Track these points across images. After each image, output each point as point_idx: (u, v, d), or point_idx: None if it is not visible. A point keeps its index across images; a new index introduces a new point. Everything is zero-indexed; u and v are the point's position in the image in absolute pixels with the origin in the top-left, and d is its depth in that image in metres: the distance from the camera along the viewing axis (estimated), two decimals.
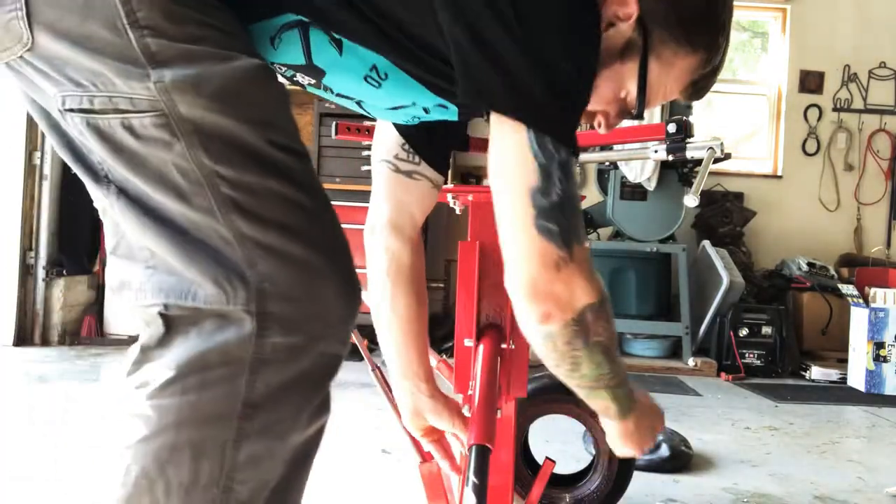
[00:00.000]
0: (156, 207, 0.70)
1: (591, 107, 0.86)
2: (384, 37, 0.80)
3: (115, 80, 0.67)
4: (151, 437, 0.69)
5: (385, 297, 1.15)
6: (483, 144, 1.47)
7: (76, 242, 4.03)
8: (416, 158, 1.12)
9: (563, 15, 0.74)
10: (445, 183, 1.17)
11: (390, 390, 1.39)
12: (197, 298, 0.69)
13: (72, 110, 0.69)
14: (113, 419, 0.72)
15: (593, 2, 0.78)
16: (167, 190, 0.69)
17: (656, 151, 1.32)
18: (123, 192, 0.71)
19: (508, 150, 0.74)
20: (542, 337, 0.79)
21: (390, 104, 0.93)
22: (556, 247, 0.74)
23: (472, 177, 4.80)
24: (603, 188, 4.47)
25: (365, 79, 0.86)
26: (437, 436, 1.19)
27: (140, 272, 0.72)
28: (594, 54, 0.77)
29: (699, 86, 0.88)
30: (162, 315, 0.70)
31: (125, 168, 0.69)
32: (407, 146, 1.11)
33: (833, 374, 3.98)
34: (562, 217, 0.74)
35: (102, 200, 0.74)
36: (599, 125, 0.90)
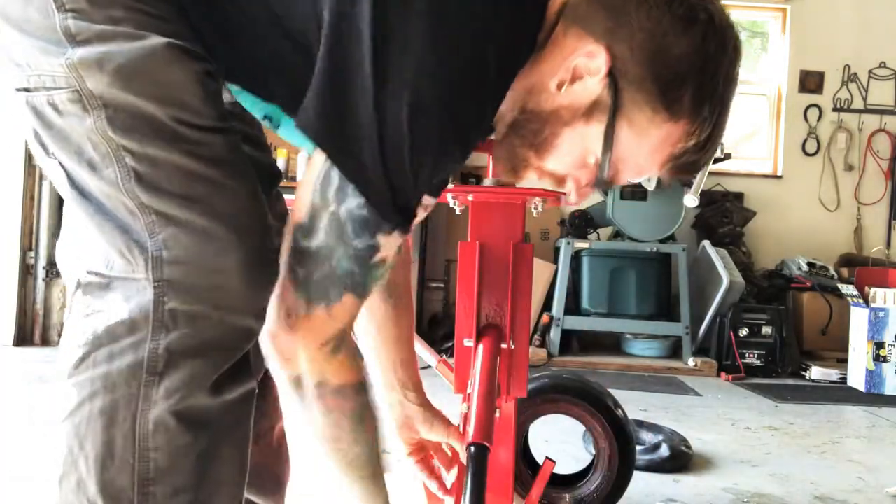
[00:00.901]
0: (79, 181, 0.74)
1: (559, 169, 0.81)
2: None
3: (41, 59, 0.71)
4: (72, 413, 0.71)
5: None
6: (483, 145, 1.48)
7: None
8: None
9: (458, 72, 0.70)
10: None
11: None
12: (113, 268, 0.73)
13: (17, 90, 0.74)
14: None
15: (515, 59, 0.74)
16: (84, 163, 0.72)
17: None
18: (62, 169, 0.75)
19: (307, 174, 0.75)
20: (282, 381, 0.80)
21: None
22: (293, 291, 0.74)
23: (472, 177, 4.80)
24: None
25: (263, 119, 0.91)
26: (424, 454, 1.14)
27: (73, 246, 0.78)
28: (469, 126, 0.74)
29: (682, 162, 0.77)
30: (82, 286, 0.74)
31: (55, 144, 0.73)
32: None
33: (833, 374, 3.98)
34: (311, 267, 0.73)
35: (56, 181, 0.78)
36: (569, 192, 0.83)
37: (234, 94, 0.87)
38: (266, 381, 1.17)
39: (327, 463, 0.85)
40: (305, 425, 0.82)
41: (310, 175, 0.74)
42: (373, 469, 0.89)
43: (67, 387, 0.72)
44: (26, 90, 0.72)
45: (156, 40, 0.71)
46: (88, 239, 0.75)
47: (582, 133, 0.76)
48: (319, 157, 0.73)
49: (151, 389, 0.70)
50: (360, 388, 0.82)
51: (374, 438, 0.89)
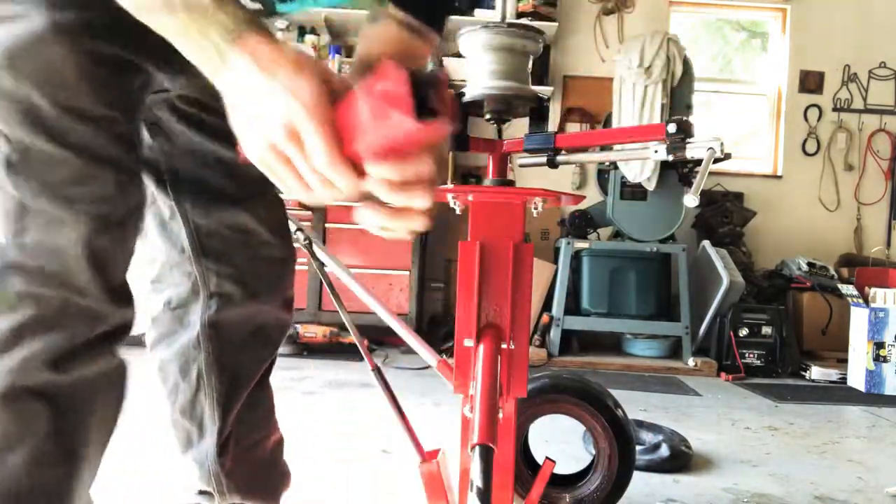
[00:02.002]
0: None
1: None
2: None
3: None
4: None
5: None
6: (483, 145, 1.48)
7: None
8: None
9: None
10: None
11: (390, 390, 1.39)
12: None
13: None
14: None
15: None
16: None
17: (656, 151, 1.32)
18: None
19: None
20: None
21: None
22: None
23: (472, 177, 4.80)
24: (603, 188, 4.47)
25: None
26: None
27: None
28: None
29: None
30: None
31: None
32: None
33: (833, 374, 3.98)
34: None
35: None
36: None
37: None
38: (257, 393, 1.16)
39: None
40: None
41: None
42: None
43: None
44: None
45: (35, 22, 0.71)
46: None
47: None
48: None
49: None
50: None
51: None
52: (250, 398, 1.16)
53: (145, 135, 0.97)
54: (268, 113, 0.56)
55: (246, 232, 1.05)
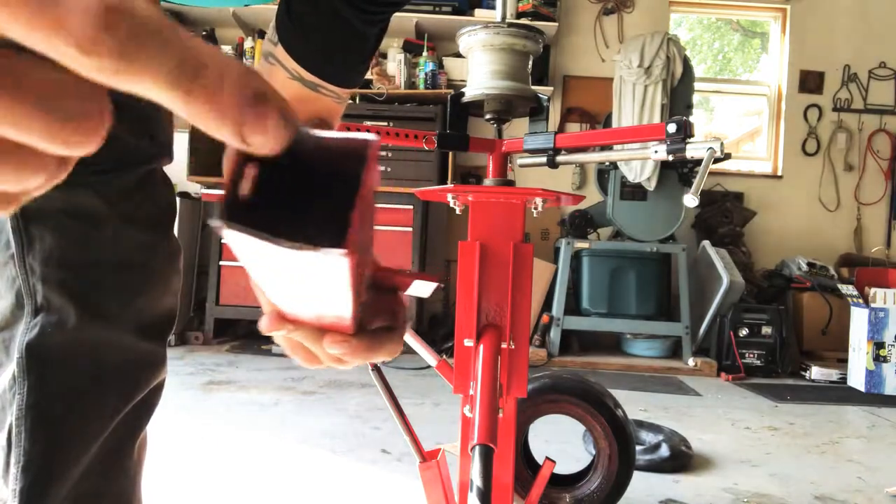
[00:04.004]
0: None
1: None
2: None
3: None
4: None
5: None
6: (483, 144, 1.48)
7: None
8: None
9: None
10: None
11: (390, 390, 1.39)
12: None
13: None
14: None
15: None
16: None
17: (656, 151, 1.32)
18: None
19: None
20: None
21: None
22: None
23: (472, 177, 4.80)
24: (603, 188, 4.47)
25: None
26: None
27: None
28: None
29: None
30: None
31: None
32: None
33: (833, 374, 3.98)
34: None
35: None
36: None
37: None
38: (107, 466, 0.77)
39: None
40: None
41: None
42: None
43: None
44: None
45: None
46: None
47: None
48: None
49: None
50: None
51: None
52: (100, 474, 0.77)
53: None
54: None
55: (89, 218, 0.74)
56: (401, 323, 0.46)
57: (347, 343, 0.41)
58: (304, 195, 0.30)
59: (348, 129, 1.56)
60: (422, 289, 0.45)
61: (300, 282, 0.33)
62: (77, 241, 0.73)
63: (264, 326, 0.42)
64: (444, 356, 1.56)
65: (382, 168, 4.20)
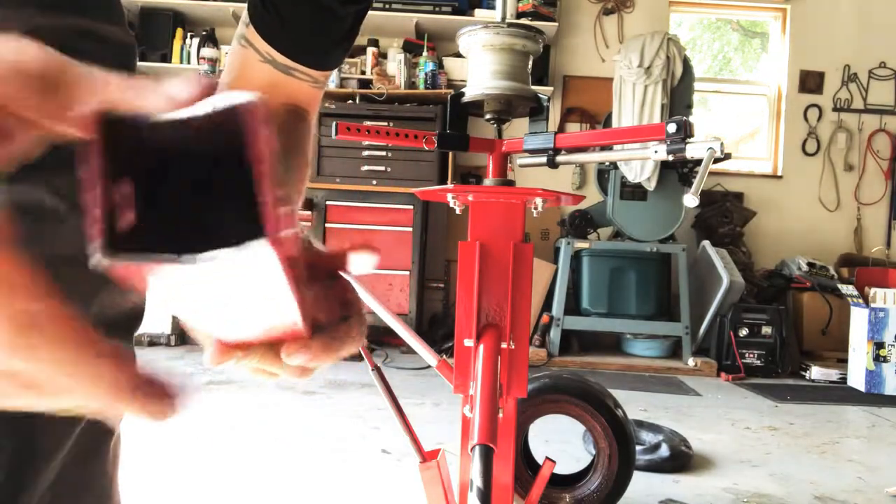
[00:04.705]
0: None
1: None
2: None
3: None
4: None
5: None
6: (483, 144, 1.48)
7: None
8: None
9: None
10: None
11: (390, 390, 1.39)
12: None
13: None
14: None
15: None
16: None
17: (656, 151, 1.32)
18: None
19: None
20: None
21: None
22: None
23: (472, 176, 4.80)
24: (603, 188, 4.47)
25: None
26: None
27: None
28: None
29: None
30: None
31: None
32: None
33: (833, 374, 3.98)
34: None
35: None
36: None
37: None
38: (79, 474, 0.61)
39: None
40: None
41: None
42: None
43: None
44: None
45: None
46: None
47: None
48: None
49: None
50: None
51: None
52: (75, 473, 0.70)
53: None
54: None
55: (39, 212, 0.74)
56: (356, 310, 0.42)
57: (307, 348, 0.38)
58: (194, 193, 0.25)
59: (348, 130, 1.53)
60: (363, 263, 0.39)
61: (232, 299, 0.28)
62: (27, 235, 0.65)
63: (209, 362, 0.39)
64: (444, 356, 1.56)
65: (382, 168, 4.21)
